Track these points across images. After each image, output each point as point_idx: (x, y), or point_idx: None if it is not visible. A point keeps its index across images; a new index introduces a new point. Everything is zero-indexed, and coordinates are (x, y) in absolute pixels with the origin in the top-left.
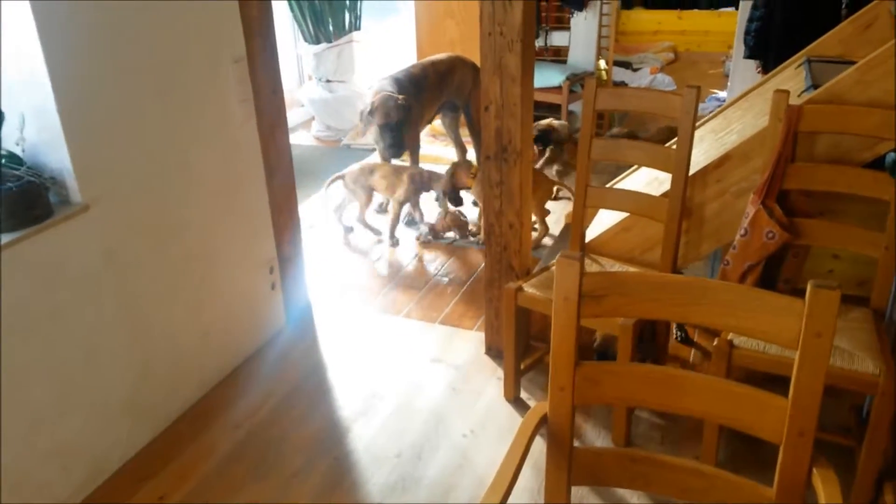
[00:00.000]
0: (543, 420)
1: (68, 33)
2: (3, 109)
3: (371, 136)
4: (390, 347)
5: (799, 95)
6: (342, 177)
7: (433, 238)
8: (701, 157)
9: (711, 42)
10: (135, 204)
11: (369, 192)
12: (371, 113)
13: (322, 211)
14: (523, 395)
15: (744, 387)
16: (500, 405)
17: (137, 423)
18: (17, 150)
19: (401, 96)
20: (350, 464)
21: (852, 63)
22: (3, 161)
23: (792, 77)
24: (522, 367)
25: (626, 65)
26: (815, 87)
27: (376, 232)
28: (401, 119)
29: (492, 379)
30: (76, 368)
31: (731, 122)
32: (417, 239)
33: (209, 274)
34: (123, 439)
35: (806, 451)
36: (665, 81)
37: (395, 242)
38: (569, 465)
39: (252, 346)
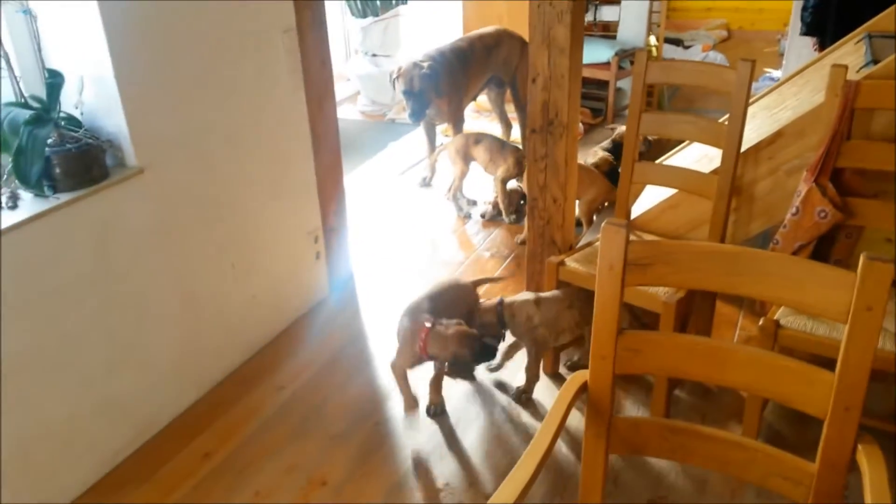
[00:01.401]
0: (582, 389)
1: (125, 7)
2: (64, 73)
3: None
4: None
5: (858, 71)
6: (446, 148)
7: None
8: (753, 133)
9: (766, 20)
10: (186, 170)
11: (468, 162)
12: (396, 79)
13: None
14: (562, 370)
15: (789, 360)
16: (541, 380)
17: (185, 382)
18: (76, 113)
19: (426, 63)
20: (389, 430)
21: None
22: (63, 123)
23: (851, 53)
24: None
25: (677, 42)
26: (876, 62)
27: (464, 206)
28: (423, 87)
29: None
30: (127, 328)
31: (786, 98)
32: (483, 217)
33: (256, 241)
34: (171, 398)
35: (851, 427)
36: (718, 59)
37: (513, 220)
38: (607, 434)
39: (296, 313)
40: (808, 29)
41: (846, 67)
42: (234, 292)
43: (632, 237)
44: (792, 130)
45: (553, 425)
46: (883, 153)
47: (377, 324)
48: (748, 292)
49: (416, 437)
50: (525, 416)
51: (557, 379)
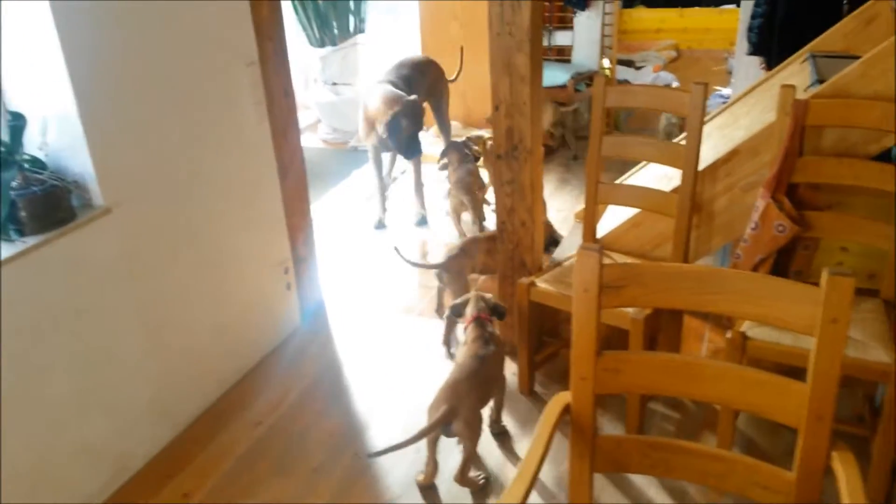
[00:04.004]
0: (565, 410)
1: (89, 40)
2: (26, 115)
3: (374, 140)
4: (405, 345)
5: (805, 90)
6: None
7: None
8: (709, 152)
9: (713, 39)
10: (154, 207)
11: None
12: (398, 119)
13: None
14: (537, 388)
15: (762, 373)
16: (516, 399)
17: (160, 421)
18: (40, 155)
19: (413, 97)
20: (371, 460)
21: (856, 58)
22: (27, 165)
23: (797, 73)
24: (536, 361)
25: (628, 63)
26: (821, 81)
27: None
28: (409, 124)
29: (506, 374)
30: (98, 369)
31: (738, 117)
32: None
33: (226, 275)
34: (147, 438)
35: (825, 435)
36: (668, 79)
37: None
38: (591, 453)
39: (269, 345)
40: (754, 49)
41: (794, 88)
42: (206, 327)
43: None
44: (746, 148)
45: (540, 446)
46: (834, 168)
47: (351, 352)
48: (718, 309)
49: (397, 465)
50: (505, 439)
51: (534, 398)
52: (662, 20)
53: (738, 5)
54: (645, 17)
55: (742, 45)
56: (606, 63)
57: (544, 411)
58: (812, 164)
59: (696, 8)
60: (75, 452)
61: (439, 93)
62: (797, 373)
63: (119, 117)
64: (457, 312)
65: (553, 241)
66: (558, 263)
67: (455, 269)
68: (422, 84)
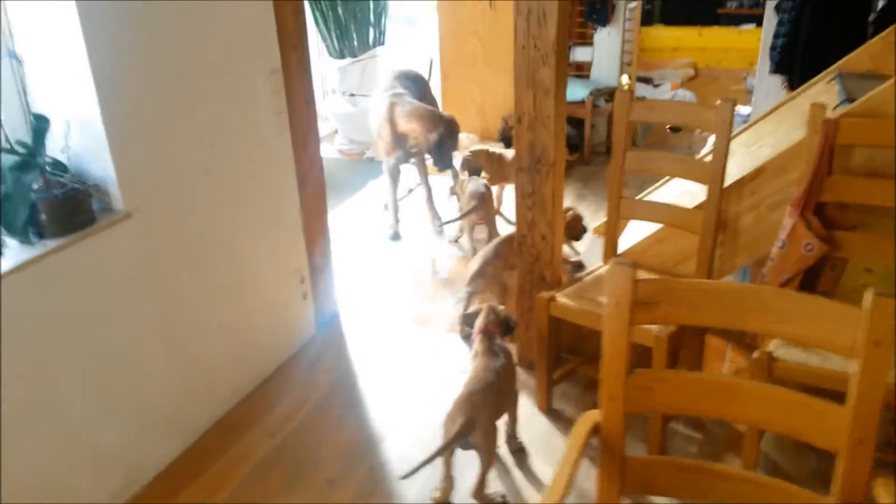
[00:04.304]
0: (594, 429)
1: (113, 44)
2: (50, 117)
3: (397, 154)
4: (421, 357)
5: (833, 109)
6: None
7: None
8: (734, 169)
9: (732, 59)
10: (173, 213)
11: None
12: (443, 137)
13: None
14: (556, 405)
15: (799, 394)
16: (534, 416)
17: (173, 431)
18: (62, 158)
19: (450, 115)
20: (385, 473)
21: (884, 78)
22: (49, 168)
23: (823, 92)
24: (555, 378)
25: (646, 80)
26: (851, 100)
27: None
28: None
29: (523, 390)
30: (113, 377)
31: (763, 135)
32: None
33: (243, 283)
34: (159, 447)
35: (867, 459)
36: (686, 97)
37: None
38: (620, 475)
39: (284, 354)
40: (777, 68)
41: (825, 106)
42: (222, 335)
43: None
44: (773, 166)
45: (567, 469)
46: (865, 187)
47: (365, 363)
48: (756, 328)
49: (412, 480)
50: (523, 457)
51: (553, 416)
52: (680, 38)
53: (759, 25)
54: (663, 35)
55: (764, 63)
56: (626, 80)
57: (572, 431)
58: (842, 183)
59: (716, 27)
60: (86, 461)
61: (429, 102)
62: (825, 395)
63: (141, 122)
64: (468, 322)
65: (583, 230)
66: (579, 278)
67: (490, 274)
68: (416, 94)
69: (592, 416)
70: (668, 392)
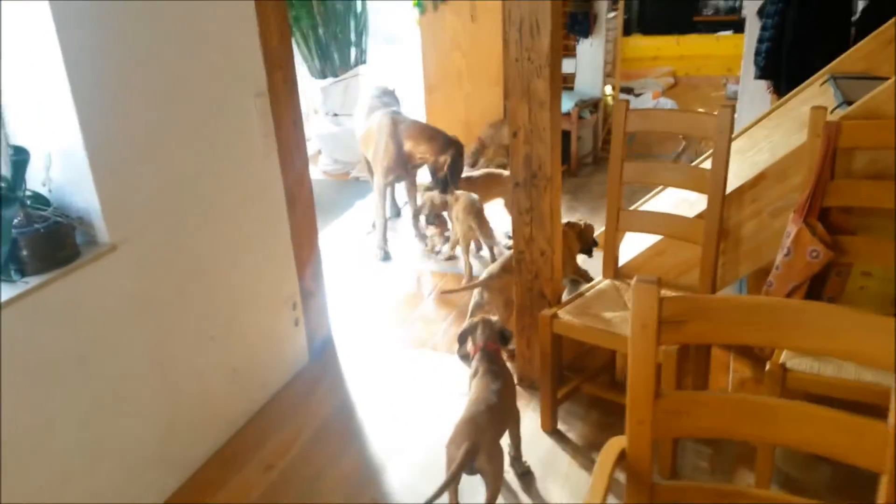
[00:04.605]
0: (621, 456)
1: (96, 71)
2: (30, 149)
3: (392, 175)
4: (419, 381)
5: (832, 112)
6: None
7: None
8: (731, 178)
9: (711, 66)
10: (161, 243)
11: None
12: (456, 160)
13: None
14: (560, 426)
15: (840, 413)
16: (539, 437)
17: (167, 467)
18: (44, 191)
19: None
20: None
21: (879, 79)
22: (30, 202)
23: (817, 95)
24: (559, 397)
25: (628, 90)
26: (849, 103)
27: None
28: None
29: (526, 411)
30: (104, 416)
31: (758, 141)
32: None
33: (234, 313)
34: (152, 486)
35: None
36: (668, 105)
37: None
38: (650, 502)
39: (277, 383)
40: (762, 72)
41: (826, 109)
42: (214, 367)
43: (620, 284)
44: (773, 172)
45: (597, 500)
46: (869, 190)
47: (361, 389)
48: (793, 345)
49: None
50: (531, 481)
51: (557, 437)
52: (659, 48)
53: (736, 31)
54: (642, 44)
55: (748, 69)
56: (609, 90)
57: (598, 460)
58: (845, 188)
59: (693, 35)
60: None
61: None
62: (838, 404)
63: (125, 151)
64: (462, 339)
65: (595, 242)
66: (580, 294)
67: (496, 287)
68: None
69: (618, 443)
70: (699, 415)
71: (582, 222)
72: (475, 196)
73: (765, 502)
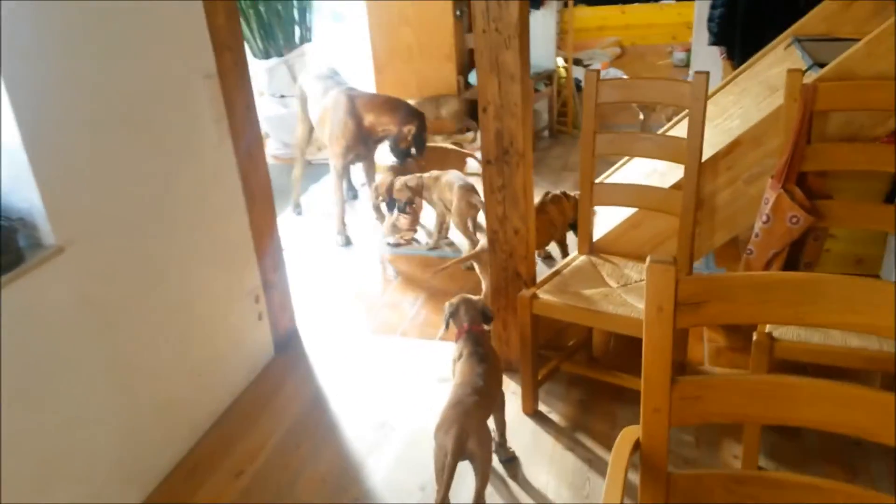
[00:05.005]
0: (635, 447)
1: (30, 61)
2: None
3: (352, 154)
4: (391, 370)
5: (803, 74)
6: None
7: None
8: (704, 146)
9: (655, 34)
10: (111, 243)
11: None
12: (421, 131)
13: None
14: (542, 407)
15: (866, 389)
16: (521, 421)
17: (130, 481)
18: None
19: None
20: (374, 502)
21: (844, 40)
22: None
23: (782, 58)
24: (539, 378)
25: (577, 62)
26: (820, 65)
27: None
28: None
29: (505, 394)
30: (57, 432)
31: (726, 108)
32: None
33: (193, 310)
34: (116, 501)
35: None
36: (617, 75)
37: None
38: (666, 494)
39: (242, 382)
40: (716, 38)
41: (802, 72)
42: (175, 371)
43: (597, 259)
44: (748, 138)
45: (615, 495)
46: (846, 153)
47: (332, 381)
48: (817, 321)
49: None
50: (517, 466)
51: (540, 419)
52: (605, 18)
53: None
54: (588, 15)
55: (701, 36)
56: (561, 62)
57: (613, 452)
58: (823, 151)
59: (637, 4)
60: None
61: None
62: (828, 372)
63: (68, 144)
64: (451, 314)
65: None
66: (557, 271)
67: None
68: None
69: (632, 433)
70: (718, 399)
71: (569, 196)
72: (458, 172)
73: (787, 485)
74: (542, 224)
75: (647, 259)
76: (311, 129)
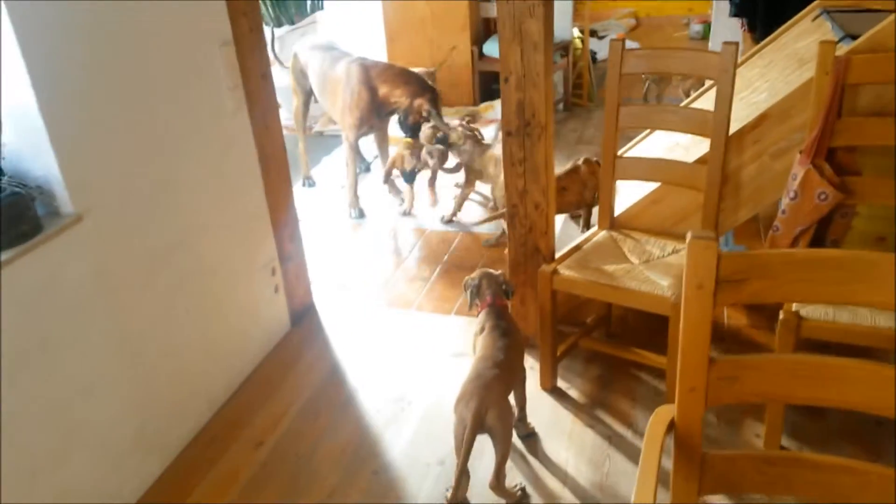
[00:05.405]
0: (670, 427)
1: (46, 24)
2: None
3: (366, 126)
4: (407, 344)
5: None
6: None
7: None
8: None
9: (671, 6)
10: (129, 212)
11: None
12: (435, 100)
13: None
14: (560, 383)
15: None
16: (539, 397)
17: (149, 451)
18: None
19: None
20: (391, 477)
21: (872, 11)
22: None
23: (811, 30)
24: (557, 354)
25: (592, 33)
26: (852, 37)
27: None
28: None
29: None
30: (75, 404)
31: (752, 81)
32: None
33: (210, 282)
34: (134, 474)
35: None
36: (633, 47)
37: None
38: (700, 474)
39: (259, 354)
40: (738, 10)
41: (835, 44)
42: (191, 342)
43: (617, 235)
44: (776, 112)
45: (650, 476)
46: (879, 128)
47: (350, 354)
48: (864, 301)
49: (422, 481)
50: (535, 442)
51: (558, 395)
52: None
53: None
54: None
55: (721, 6)
56: (577, 32)
57: (647, 431)
58: (854, 126)
59: None
60: (55, 499)
61: None
62: (858, 352)
63: (85, 110)
64: (470, 288)
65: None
66: (578, 246)
67: None
68: None
69: (666, 413)
70: (757, 380)
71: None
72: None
73: (825, 467)
74: (574, 184)
75: (688, 235)
76: (307, 101)
